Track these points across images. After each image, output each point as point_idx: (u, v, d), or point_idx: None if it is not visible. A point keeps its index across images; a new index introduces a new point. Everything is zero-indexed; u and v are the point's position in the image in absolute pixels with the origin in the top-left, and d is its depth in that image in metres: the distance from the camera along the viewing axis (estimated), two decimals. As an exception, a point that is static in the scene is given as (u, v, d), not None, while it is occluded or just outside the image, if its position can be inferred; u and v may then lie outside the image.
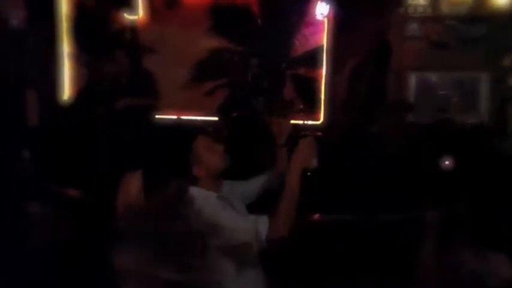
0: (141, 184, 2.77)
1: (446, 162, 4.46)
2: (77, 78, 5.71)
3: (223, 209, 2.52)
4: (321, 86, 6.01)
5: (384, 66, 5.37)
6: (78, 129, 4.64)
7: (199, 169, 2.62)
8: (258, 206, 2.86)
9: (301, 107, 5.78)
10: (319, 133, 5.75)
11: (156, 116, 5.09)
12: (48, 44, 5.64)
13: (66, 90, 5.79)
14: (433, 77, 5.63)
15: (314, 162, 2.39)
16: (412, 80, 5.62)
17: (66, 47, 5.80)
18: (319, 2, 5.74)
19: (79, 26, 5.74)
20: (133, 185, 2.79)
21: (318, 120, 5.98)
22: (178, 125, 5.41)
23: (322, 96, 6.01)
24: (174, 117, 5.62)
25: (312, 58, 6.03)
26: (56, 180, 4.24)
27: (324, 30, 5.97)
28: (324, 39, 5.98)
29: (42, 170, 4.26)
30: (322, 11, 5.75)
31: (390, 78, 5.56)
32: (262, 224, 2.30)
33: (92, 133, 4.59)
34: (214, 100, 6.00)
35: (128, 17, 5.91)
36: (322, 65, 5.99)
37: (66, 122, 4.88)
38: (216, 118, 5.72)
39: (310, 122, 5.78)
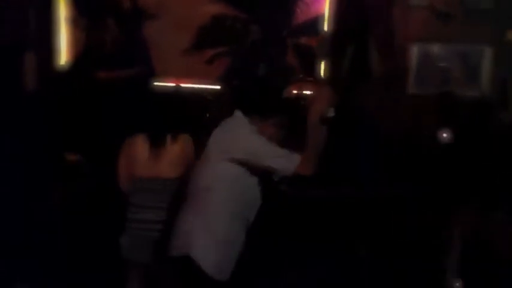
0: (147, 144, 2.79)
1: (444, 135, 4.46)
2: (75, 44, 5.64)
3: None
4: (322, 54, 5.95)
5: (366, 39, 5.29)
6: (76, 93, 4.62)
7: None
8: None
9: (301, 76, 5.74)
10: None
11: (155, 83, 5.05)
12: (46, 8, 5.54)
13: (64, 55, 5.72)
14: (435, 48, 5.56)
15: (331, 111, 2.43)
16: (415, 51, 5.55)
17: (64, 11, 5.70)
18: (321, -30, 5.64)
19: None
20: (138, 146, 2.81)
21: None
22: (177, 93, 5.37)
23: (322, 66, 5.96)
24: (173, 84, 5.57)
25: (313, 26, 5.95)
26: (55, 145, 4.24)
27: (325, -2, 5.88)
28: (325, 7, 5.90)
29: (41, 135, 4.25)
30: (324, -22, 5.64)
31: (389, 49, 5.48)
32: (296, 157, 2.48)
33: (89, 98, 4.58)
34: (215, 68, 5.94)
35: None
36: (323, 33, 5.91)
37: (64, 86, 4.85)
38: (216, 86, 5.69)
39: (309, 92, 5.76)
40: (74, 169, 4.17)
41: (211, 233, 2.44)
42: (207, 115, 5.39)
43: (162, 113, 2.95)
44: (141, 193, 2.83)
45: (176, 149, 2.83)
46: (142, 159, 2.81)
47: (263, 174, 2.54)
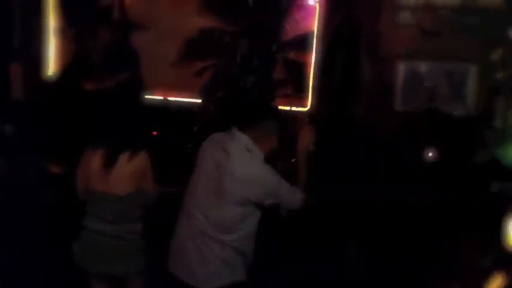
0: (101, 159, 2.77)
1: (430, 154, 4.50)
2: (63, 54, 5.61)
3: None
4: (310, 71, 6.00)
5: (355, 50, 5.34)
6: (63, 104, 4.59)
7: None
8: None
9: (289, 92, 5.75)
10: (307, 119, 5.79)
11: (144, 96, 5.03)
12: (34, 17, 5.53)
13: (52, 65, 5.69)
14: (422, 66, 5.63)
15: (311, 146, 2.84)
16: (402, 68, 5.61)
17: (52, 21, 5.68)
18: (311, -13, 5.70)
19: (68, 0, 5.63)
20: (94, 158, 2.79)
21: (305, 106, 5.97)
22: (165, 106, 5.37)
23: (311, 82, 5.99)
24: (161, 98, 5.56)
25: (302, 42, 5.98)
26: (39, 155, 4.20)
27: (315, 15, 5.93)
28: (314, 24, 5.95)
29: (26, 144, 4.21)
30: (314, -4, 5.70)
31: (377, 66, 5.54)
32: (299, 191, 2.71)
33: (76, 108, 4.54)
34: (203, 80, 5.94)
35: (117, -8, 5.80)
36: (311, 50, 5.96)
37: (51, 96, 4.81)
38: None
39: (297, 109, 5.79)
40: (58, 180, 4.13)
41: (212, 262, 2.51)
42: (195, 128, 5.38)
43: (119, 126, 2.90)
44: (94, 204, 2.82)
45: (130, 167, 2.78)
46: (95, 172, 2.79)
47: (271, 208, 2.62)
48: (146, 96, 5.09)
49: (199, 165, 2.63)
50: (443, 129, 4.97)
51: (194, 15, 5.94)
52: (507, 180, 4.20)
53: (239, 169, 2.49)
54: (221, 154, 2.54)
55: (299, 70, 6.04)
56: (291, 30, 6.04)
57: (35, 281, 3.35)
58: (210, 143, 2.66)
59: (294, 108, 5.74)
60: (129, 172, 2.77)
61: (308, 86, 5.98)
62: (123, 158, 2.77)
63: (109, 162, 2.76)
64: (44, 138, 4.22)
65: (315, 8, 5.91)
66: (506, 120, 5.04)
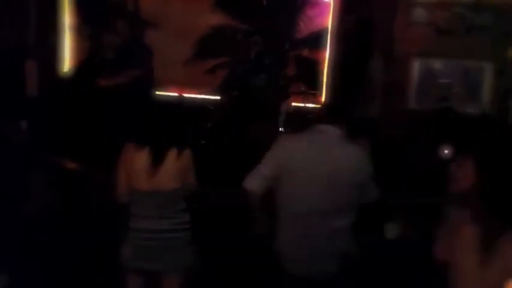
0: (146, 155, 2.77)
1: (446, 151, 4.46)
2: (78, 50, 5.65)
3: None
4: (324, 68, 5.99)
5: (368, 48, 5.31)
6: (78, 101, 4.61)
7: None
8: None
9: (303, 89, 5.75)
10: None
11: (158, 93, 5.05)
12: (50, 15, 5.56)
13: (67, 62, 5.73)
14: (437, 64, 5.60)
15: None
16: (416, 66, 5.58)
17: (67, 18, 5.71)
18: (325, -16, 5.69)
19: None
20: (137, 157, 2.79)
21: (319, 103, 5.95)
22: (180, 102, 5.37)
23: (324, 79, 5.98)
24: (176, 94, 5.57)
25: (315, 40, 5.98)
26: (54, 151, 4.22)
27: (329, 12, 5.91)
28: (328, 21, 5.93)
29: (41, 140, 4.24)
30: (328, -8, 5.69)
31: (393, 64, 5.51)
32: None
33: (91, 105, 4.57)
34: (216, 78, 5.96)
35: (131, -11, 5.84)
36: (325, 47, 5.95)
37: (66, 93, 4.84)
38: (217, 96, 5.69)
39: (311, 105, 5.78)
40: (72, 176, 4.15)
41: (336, 253, 2.56)
42: (209, 125, 5.39)
43: (164, 125, 2.94)
44: (141, 204, 2.82)
45: (177, 162, 2.82)
46: (142, 171, 2.80)
47: None
48: (160, 93, 5.11)
49: (296, 166, 2.58)
50: (458, 128, 4.93)
51: (207, 13, 5.96)
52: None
53: (353, 156, 2.58)
54: (327, 148, 2.58)
55: (312, 67, 6.04)
56: (304, 27, 6.04)
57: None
58: (301, 143, 2.64)
59: (307, 105, 5.74)
60: (176, 168, 2.80)
61: (322, 82, 5.97)
62: (171, 155, 2.80)
63: (158, 161, 2.78)
64: (58, 135, 4.25)
65: (329, 4, 5.89)
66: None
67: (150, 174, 2.76)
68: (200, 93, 5.89)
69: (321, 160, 2.55)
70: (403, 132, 5.15)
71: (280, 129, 5.41)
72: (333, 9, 5.88)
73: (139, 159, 2.78)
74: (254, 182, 2.64)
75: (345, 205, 2.55)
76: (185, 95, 5.59)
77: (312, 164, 2.54)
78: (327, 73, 5.95)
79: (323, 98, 5.95)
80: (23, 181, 3.65)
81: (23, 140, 4.06)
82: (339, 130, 2.60)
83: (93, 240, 3.52)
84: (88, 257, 3.47)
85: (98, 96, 4.65)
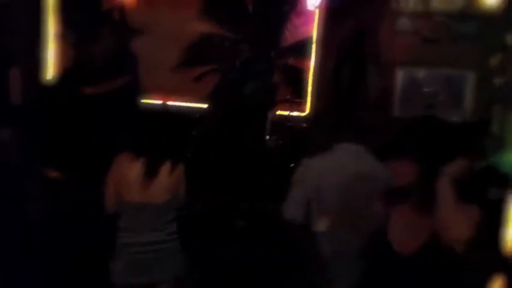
0: (139, 167, 2.76)
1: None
2: (63, 58, 5.62)
3: None
4: (309, 77, 6.02)
5: (363, 58, 5.35)
6: (63, 109, 4.59)
7: None
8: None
9: (288, 97, 5.77)
10: (305, 124, 5.81)
11: (143, 101, 5.04)
12: (34, 22, 5.53)
13: (52, 70, 5.70)
14: (421, 72, 5.65)
15: None
16: (400, 74, 5.63)
17: (52, 26, 5.69)
18: (311, -7, 5.73)
19: (67, 5, 5.64)
20: (129, 169, 2.78)
21: (304, 111, 5.99)
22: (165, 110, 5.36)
23: (310, 88, 6.01)
24: (160, 102, 5.57)
25: (301, 48, 6.02)
26: (38, 160, 4.19)
27: (314, 21, 5.96)
28: (314, 30, 5.97)
29: (24, 150, 4.21)
30: (313, 1, 5.73)
31: (377, 72, 5.55)
32: None
33: (76, 113, 4.55)
34: (203, 86, 5.96)
35: (118, -3, 5.83)
36: (311, 56, 5.99)
37: (50, 101, 4.81)
38: (203, 105, 5.70)
39: (295, 114, 5.81)
40: (56, 185, 4.12)
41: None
42: (194, 133, 5.39)
43: (160, 137, 2.92)
44: (132, 217, 2.79)
45: (170, 175, 2.80)
46: (134, 183, 2.78)
47: None
48: (145, 101, 5.10)
49: (327, 183, 2.59)
50: (441, 136, 4.97)
51: (194, 20, 5.96)
52: (505, 187, 4.21)
53: (378, 169, 2.64)
54: (355, 163, 2.63)
55: (298, 75, 6.07)
56: (290, 36, 6.07)
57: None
58: (325, 162, 2.66)
59: (292, 113, 5.77)
60: (169, 181, 2.80)
61: (307, 91, 6.01)
62: (165, 167, 2.78)
63: (152, 173, 2.76)
64: (42, 143, 4.22)
65: (314, 13, 5.94)
66: (503, 127, 5.05)
67: (143, 186, 2.75)
68: (186, 101, 5.89)
69: (351, 177, 2.59)
70: (389, 140, 5.18)
71: (266, 137, 5.42)
72: (318, 18, 5.92)
73: (132, 170, 2.76)
74: (294, 211, 2.64)
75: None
76: (170, 103, 5.59)
77: (344, 182, 2.58)
78: (312, 81, 5.99)
79: (308, 107, 5.99)
80: (7, 189, 3.64)
81: (6, 148, 4.04)
82: (359, 146, 2.68)
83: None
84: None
85: (83, 105, 4.62)
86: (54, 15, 5.68)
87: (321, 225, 2.64)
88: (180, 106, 5.78)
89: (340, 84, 5.32)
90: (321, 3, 5.70)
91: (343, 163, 2.64)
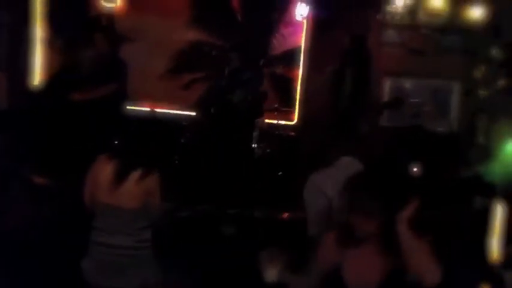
0: (112, 170, 2.74)
1: (415, 169, 4.55)
2: (50, 64, 5.58)
3: None
4: (297, 86, 6.06)
5: (365, 66, 5.39)
6: (49, 114, 4.55)
7: None
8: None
9: (276, 105, 5.80)
10: (293, 133, 5.84)
11: (130, 107, 5.02)
12: (22, 27, 5.49)
13: (38, 75, 5.65)
14: (407, 83, 5.73)
15: None
16: (387, 85, 5.70)
17: (39, 31, 5.65)
18: (299, 3, 5.77)
19: (55, 11, 5.61)
20: (103, 171, 2.77)
21: (292, 120, 6.02)
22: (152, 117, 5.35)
23: (298, 97, 6.05)
24: (147, 109, 5.55)
25: (289, 58, 6.06)
26: (23, 166, 4.15)
27: (302, 31, 6.01)
28: (302, 40, 6.02)
29: (11, 154, 4.16)
30: (301, 12, 5.78)
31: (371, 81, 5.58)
32: None
33: (62, 119, 4.51)
34: (191, 93, 5.95)
35: (106, 3, 5.81)
36: (299, 65, 6.03)
37: (36, 107, 4.77)
38: (192, 113, 5.69)
39: (284, 122, 5.83)
40: (41, 191, 4.08)
41: None
42: (182, 140, 5.37)
43: (133, 143, 2.90)
44: (103, 217, 2.79)
45: (140, 183, 2.78)
46: (104, 185, 2.78)
47: None
48: (133, 107, 5.08)
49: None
50: (427, 146, 5.03)
51: (183, 28, 5.97)
52: (490, 196, 4.27)
53: None
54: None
55: (286, 84, 6.11)
56: (278, 45, 6.12)
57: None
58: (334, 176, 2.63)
59: (280, 122, 5.79)
60: (139, 189, 2.76)
61: (295, 100, 6.04)
62: (135, 174, 2.76)
63: (120, 178, 2.74)
64: (28, 148, 4.17)
65: (303, 23, 5.99)
66: (488, 137, 5.13)
67: (111, 189, 2.74)
68: (174, 109, 5.87)
69: None
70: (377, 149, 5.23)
71: (253, 145, 5.43)
72: (307, 28, 5.97)
73: (104, 172, 2.76)
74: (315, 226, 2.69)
75: None
76: (158, 110, 5.57)
77: None
78: (300, 91, 6.03)
79: (296, 116, 6.02)
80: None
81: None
82: (357, 161, 2.67)
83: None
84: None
85: (69, 111, 4.58)
86: (42, 20, 5.64)
87: None
88: (168, 113, 5.75)
89: (340, 91, 5.33)
90: (309, 13, 5.74)
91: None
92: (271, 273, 2.39)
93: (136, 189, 2.74)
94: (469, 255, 3.65)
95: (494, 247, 3.50)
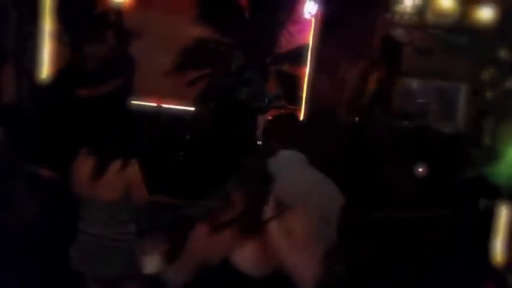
0: (91, 166, 2.78)
1: (420, 169, 4.55)
2: (58, 58, 5.60)
3: None
4: (304, 84, 6.06)
5: (393, 66, 5.36)
6: (56, 109, 4.57)
7: None
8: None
9: (283, 103, 5.79)
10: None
11: (136, 102, 5.04)
12: (30, 21, 5.51)
13: (46, 69, 5.67)
14: (414, 83, 5.71)
15: None
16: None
17: (48, 25, 5.67)
18: (307, 1, 5.77)
19: (63, 5, 5.63)
20: (82, 165, 2.81)
21: (299, 118, 6.00)
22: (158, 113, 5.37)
23: (304, 95, 6.05)
24: (154, 104, 5.57)
25: (296, 56, 6.06)
26: (29, 159, 4.16)
27: (310, 29, 6.00)
28: (309, 38, 6.02)
29: (16, 148, 4.18)
30: (310, 9, 5.77)
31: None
32: None
33: (69, 114, 4.53)
34: (197, 89, 5.97)
35: (114, -1, 5.84)
36: (306, 63, 6.02)
37: (44, 101, 4.79)
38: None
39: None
40: (47, 184, 4.10)
41: None
42: (187, 136, 5.38)
43: (108, 135, 2.93)
44: (87, 208, 2.86)
45: (120, 175, 2.78)
46: (86, 178, 2.81)
47: None
48: (139, 103, 5.10)
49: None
50: (432, 146, 5.03)
51: (190, 25, 5.98)
52: (494, 197, 4.26)
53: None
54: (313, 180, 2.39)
55: (293, 82, 6.11)
56: (286, 43, 6.12)
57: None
58: (294, 180, 2.37)
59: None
60: (118, 180, 2.79)
61: (301, 98, 6.04)
62: (114, 166, 2.78)
63: (99, 171, 2.77)
64: (35, 143, 4.19)
65: (311, 21, 5.98)
66: (495, 138, 5.12)
67: (91, 182, 2.78)
68: (180, 105, 5.89)
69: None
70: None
71: (258, 142, 5.43)
72: (314, 26, 5.96)
73: (85, 166, 2.80)
74: None
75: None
76: (165, 105, 5.59)
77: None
78: (307, 88, 6.03)
79: (302, 113, 6.02)
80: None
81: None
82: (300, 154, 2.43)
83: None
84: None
85: (76, 105, 4.61)
86: (50, 15, 5.67)
87: None
88: (174, 109, 5.77)
89: (367, 93, 5.31)
90: (317, 11, 5.73)
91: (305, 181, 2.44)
92: (149, 264, 2.33)
93: (116, 181, 2.78)
94: (473, 256, 3.65)
95: (498, 248, 3.50)
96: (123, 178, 2.80)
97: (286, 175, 2.18)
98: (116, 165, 2.79)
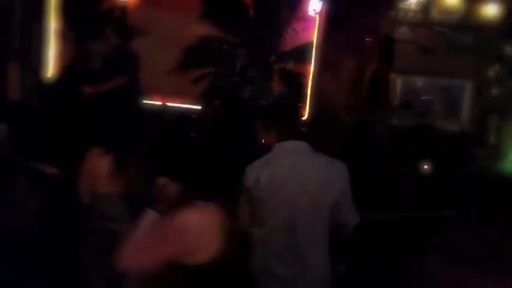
0: (108, 160, 2.79)
1: (425, 167, 4.53)
2: (63, 56, 5.62)
3: None
4: (308, 82, 6.05)
5: (389, 65, 5.36)
6: (61, 106, 4.59)
7: None
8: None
9: (287, 101, 5.78)
10: (303, 129, 5.82)
11: (142, 101, 5.04)
12: (35, 19, 5.53)
13: (51, 67, 5.69)
14: (418, 81, 5.70)
15: None
16: (399, 83, 5.67)
17: (53, 23, 5.69)
18: (312, -1, 5.77)
19: (68, 3, 5.65)
20: (99, 162, 2.82)
21: (303, 116, 6.01)
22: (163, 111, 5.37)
23: (309, 92, 6.04)
24: (159, 103, 5.58)
25: (301, 53, 6.05)
26: (34, 156, 4.18)
27: (315, 26, 5.99)
28: (314, 35, 6.00)
29: (21, 145, 4.20)
30: (314, 7, 5.76)
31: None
32: None
33: (74, 111, 4.54)
34: (201, 88, 5.97)
35: (118, -3, 5.84)
36: (310, 61, 6.01)
37: (49, 98, 4.81)
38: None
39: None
40: (52, 182, 4.11)
41: None
42: (192, 134, 5.39)
43: (123, 130, 2.95)
44: (102, 206, 2.85)
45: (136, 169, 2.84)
46: (104, 175, 2.83)
47: None
48: (144, 101, 5.10)
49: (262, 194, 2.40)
50: (435, 145, 5.01)
51: (194, 23, 5.98)
52: (499, 196, 4.25)
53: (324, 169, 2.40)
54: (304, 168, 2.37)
55: (297, 80, 6.09)
56: (290, 41, 6.10)
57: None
58: (276, 168, 2.42)
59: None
60: (136, 174, 2.81)
61: (306, 96, 6.03)
62: (132, 161, 2.81)
63: (120, 166, 2.78)
64: (40, 140, 4.21)
65: (315, 19, 5.97)
66: (499, 136, 5.10)
67: (111, 178, 2.79)
68: (185, 103, 5.89)
69: (287, 180, 2.37)
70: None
71: (262, 141, 5.43)
72: (319, 23, 5.95)
73: (101, 164, 2.81)
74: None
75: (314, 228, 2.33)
76: (169, 104, 5.60)
77: (278, 186, 2.38)
78: (311, 87, 6.02)
79: (307, 111, 6.01)
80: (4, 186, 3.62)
81: (3, 144, 4.03)
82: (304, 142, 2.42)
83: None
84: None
85: (81, 103, 4.62)
86: (55, 12, 5.68)
87: None
88: (179, 107, 5.78)
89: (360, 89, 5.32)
90: (322, 9, 5.72)
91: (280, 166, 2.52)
92: None
93: (133, 175, 2.79)
94: (473, 255, 3.64)
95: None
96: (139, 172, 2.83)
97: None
98: (135, 160, 2.81)
